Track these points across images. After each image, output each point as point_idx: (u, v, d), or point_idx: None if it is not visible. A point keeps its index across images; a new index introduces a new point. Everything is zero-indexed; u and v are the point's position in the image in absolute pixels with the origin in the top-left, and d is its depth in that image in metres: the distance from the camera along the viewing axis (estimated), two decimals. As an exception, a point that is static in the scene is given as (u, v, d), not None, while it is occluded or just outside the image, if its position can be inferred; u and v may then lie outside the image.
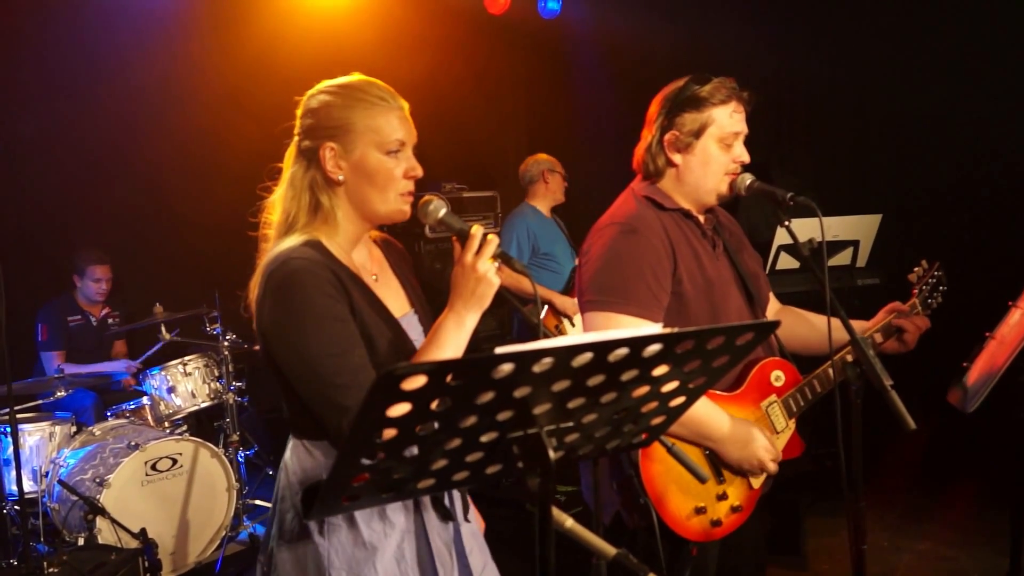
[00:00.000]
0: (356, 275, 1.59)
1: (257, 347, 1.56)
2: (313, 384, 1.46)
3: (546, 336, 1.37)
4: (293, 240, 1.56)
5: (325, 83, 1.64)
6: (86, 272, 4.63)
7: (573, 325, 4.33)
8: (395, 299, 1.68)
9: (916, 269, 2.24)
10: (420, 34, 5.65)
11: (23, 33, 4.59)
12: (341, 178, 1.58)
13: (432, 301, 1.75)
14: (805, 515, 3.82)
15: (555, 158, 4.69)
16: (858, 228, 4.13)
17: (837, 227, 4.06)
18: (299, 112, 1.64)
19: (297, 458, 1.58)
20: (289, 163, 1.64)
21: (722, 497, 1.96)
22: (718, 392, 1.99)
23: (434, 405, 0.95)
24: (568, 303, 4.36)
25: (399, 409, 0.94)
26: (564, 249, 4.63)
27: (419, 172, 1.61)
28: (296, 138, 1.64)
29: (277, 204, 1.63)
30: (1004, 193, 4.41)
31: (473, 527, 1.70)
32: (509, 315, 4.93)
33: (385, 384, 0.89)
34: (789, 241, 1.94)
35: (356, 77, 1.64)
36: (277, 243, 1.58)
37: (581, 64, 6.32)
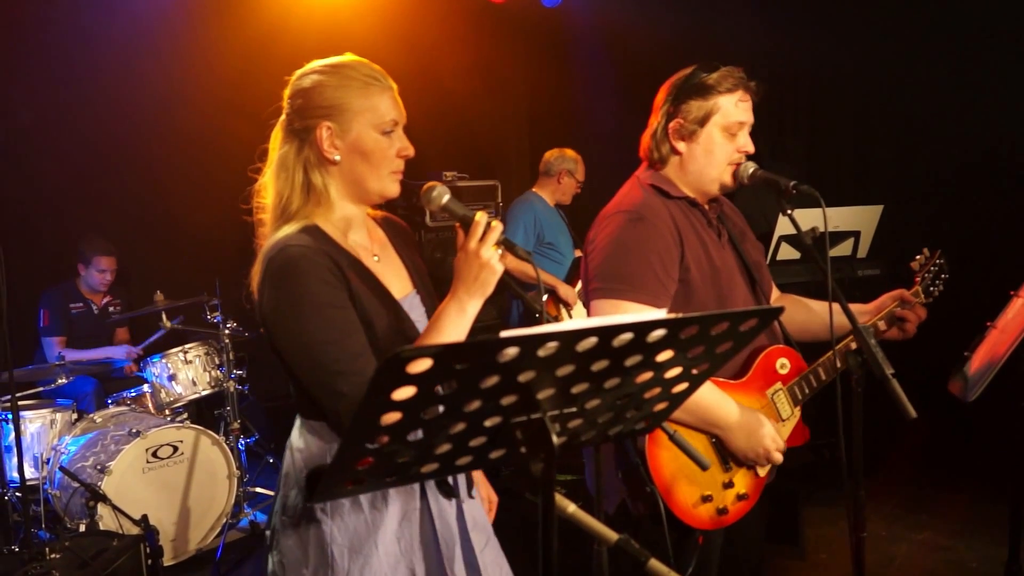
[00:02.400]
0: (355, 258, 1.59)
1: (260, 332, 1.57)
2: (311, 370, 1.48)
3: (549, 322, 1.37)
4: (290, 227, 1.56)
5: (315, 63, 1.63)
6: (92, 262, 4.63)
7: (571, 316, 4.35)
8: (397, 279, 1.68)
9: (918, 257, 2.24)
10: (421, 23, 5.63)
11: (26, 24, 4.58)
12: (337, 158, 1.59)
13: (433, 289, 1.75)
14: (804, 505, 3.83)
15: (581, 160, 4.69)
16: (859, 219, 4.13)
17: (838, 218, 4.06)
18: (287, 92, 1.63)
19: (304, 438, 1.60)
20: (277, 144, 1.64)
21: (728, 485, 1.97)
22: (724, 380, 1.99)
23: (439, 389, 0.95)
24: (571, 292, 4.38)
25: (404, 392, 0.94)
26: (566, 240, 4.66)
27: (411, 151, 1.63)
28: (284, 118, 1.63)
29: (269, 186, 1.63)
30: (1005, 183, 4.41)
31: (476, 504, 1.71)
32: (508, 304, 4.93)
33: (391, 367, 0.89)
34: (791, 231, 1.95)
35: (347, 57, 1.63)
36: (275, 229, 1.58)
37: (583, 53, 6.30)
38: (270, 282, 1.50)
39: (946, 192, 4.64)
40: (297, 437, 1.61)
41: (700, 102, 1.97)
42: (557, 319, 4.33)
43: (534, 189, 4.73)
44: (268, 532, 1.65)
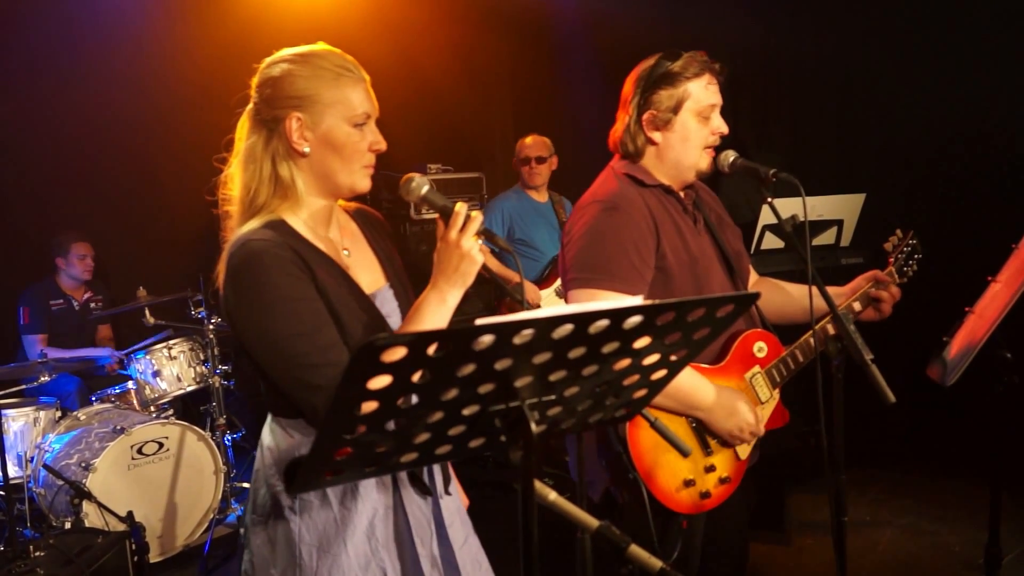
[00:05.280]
0: (322, 252, 1.55)
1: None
2: (282, 366, 1.44)
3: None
4: (254, 223, 1.52)
5: (285, 51, 1.58)
6: (70, 250, 4.60)
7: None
8: (368, 273, 1.65)
9: (891, 238, 2.27)
10: (403, 15, 5.61)
11: (1, 18, 4.52)
12: (306, 150, 1.54)
13: (417, 283, 1.74)
14: (789, 492, 3.87)
15: (528, 142, 4.62)
16: (842, 207, 4.15)
17: (821, 206, 4.08)
18: (256, 81, 1.58)
19: (274, 437, 1.56)
20: (244, 134, 1.59)
21: (710, 469, 1.98)
22: (702, 365, 2.01)
23: (415, 378, 0.95)
24: (531, 290, 4.37)
25: (379, 382, 0.93)
26: (547, 236, 4.58)
27: (383, 146, 1.59)
28: (252, 107, 1.59)
29: (235, 177, 1.58)
30: (985, 171, 4.44)
31: (455, 500, 1.69)
32: (497, 296, 4.92)
33: (365, 356, 0.89)
34: (774, 220, 1.96)
35: (318, 46, 1.58)
36: (241, 222, 1.54)
37: (566, 43, 6.28)
38: (233, 278, 1.46)
39: (928, 180, 4.67)
40: (268, 435, 1.58)
41: (670, 90, 1.98)
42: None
43: (517, 184, 4.72)
44: (242, 531, 1.63)
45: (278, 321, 1.43)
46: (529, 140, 4.63)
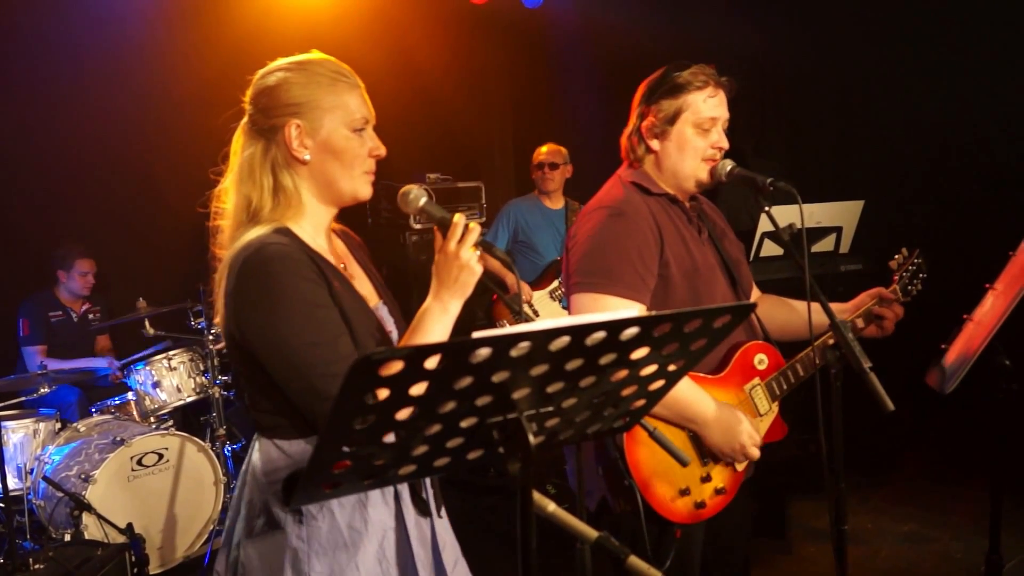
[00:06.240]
0: (329, 262, 1.54)
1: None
2: (301, 375, 1.40)
3: (521, 321, 1.37)
4: (261, 229, 1.49)
5: (279, 61, 1.57)
6: (73, 266, 4.61)
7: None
8: (365, 290, 1.64)
9: (897, 256, 2.27)
10: (403, 24, 5.63)
11: (3, 27, 4.54)
12: (307, 157, 1.52)
13: (416, 293, 1.74)
14: (791, 500, 3.86)
15: (543, 149, 4.71)
16: (840, 214, 4.15)
17: (820, 213, 4.08)
18: (250, 93, 1.57)
19: (268, 458, 1.51)
20: (240, 147, 1.57)
21: (706, 479, 1.98)
22: (702, 375, 2.00)
23: (412, 391, 0.95)
24: (523, 289, 4.44)
25: (377, 395, 0.93)
26: (551, 241, 4.65)
27: (383, 151, 1.58)
28: (247, 120, 1.57)
29: (231, 190, 1.56)
30: (983, 178, 4.45)
31: (445, 523, 1.68)
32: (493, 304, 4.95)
33: (362, 370, 0.89)
34: (772, 228, 1.96)
35: (312, 55, 1.58)
36: (240, 232, 1.50)
37: (565, 53, 6.31)
38: (248, 283, 1.41)
39: (926, 187, 4.69)
40: (259, 458, 1.52)
41: (671, 100, 2.00)
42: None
43: (535, 191, 4.80)
44: (219, 568, 1.55)
45: (298, 329, 1.39)
46: (544, 148, 4.75)
